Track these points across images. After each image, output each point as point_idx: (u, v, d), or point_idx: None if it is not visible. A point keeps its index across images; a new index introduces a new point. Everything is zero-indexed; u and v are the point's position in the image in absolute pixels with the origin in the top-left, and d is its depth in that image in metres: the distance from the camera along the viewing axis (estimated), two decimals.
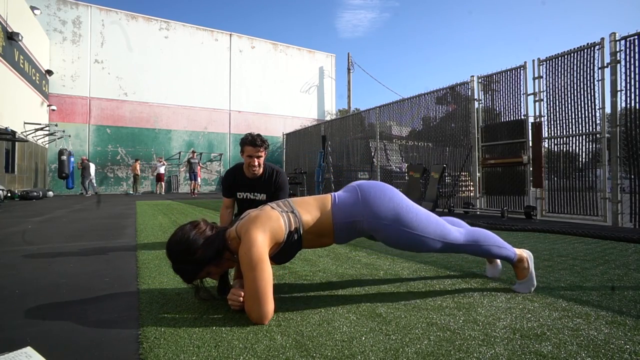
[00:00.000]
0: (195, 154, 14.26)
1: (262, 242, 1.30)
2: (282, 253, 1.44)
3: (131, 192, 14.40)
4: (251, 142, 2.50)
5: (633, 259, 2.44)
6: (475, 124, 6.41)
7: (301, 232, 1.44)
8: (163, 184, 14.26)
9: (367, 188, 1.57)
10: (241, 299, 1.34)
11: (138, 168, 14.36)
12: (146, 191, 15.09)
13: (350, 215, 1.51)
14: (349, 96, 20.57)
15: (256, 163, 2.53)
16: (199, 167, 13.14)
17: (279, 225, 1.38)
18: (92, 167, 12.99)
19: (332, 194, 1.61)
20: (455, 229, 1.61)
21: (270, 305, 1.28)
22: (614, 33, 4.64)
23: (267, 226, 1.35)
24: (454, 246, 1.58)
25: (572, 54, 5.10)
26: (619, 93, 4.57)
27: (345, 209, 1.52)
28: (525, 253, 1.69)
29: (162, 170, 14.19)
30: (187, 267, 1.40)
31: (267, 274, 1.28)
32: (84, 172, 12.52)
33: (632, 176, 4.46)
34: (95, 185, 13.19)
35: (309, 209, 1.50)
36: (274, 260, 1.45)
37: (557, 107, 5.29)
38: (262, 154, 2.55)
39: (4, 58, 9.28)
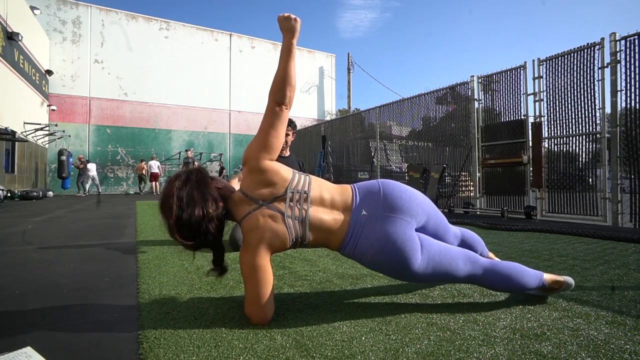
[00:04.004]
0: (191, 152, 14.04)
1: (263, 254, 1.27)
2: None
3: (131, 192, 14.39)
4: None
5: (633, 259, 2.44)
6: (475, 124, 6.41)
7: (305, 242, 1.36)
8: (157, 183, 14.07)
9: (391, 250, 1.32)
10: None
11: (146, 168, 14.41)
12: (146, 191, 15.09)
13: (358, 257, 1.38)
14: (349, 96, 20.58)
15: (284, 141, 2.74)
16: (194, 165, 12.85)
17: (284, 241, 1.30)
18: (94, 167, 12.95)
19: (348, 230, 1.35)
20: (466, 273, 1.41)
21: (270, 308, 1.28)
22: (614, 33, 4.64)
23: (273, 242, 1.28)
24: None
25: (572, 54, 5.10)
26: (619, 93, 4.58)
27: (357, 254, 1.36)
28: (566, 280, 1.51)
29: (155, 169, 14.04)
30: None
31: (268, 279, 1.27)
32: (80, 171, 12.52)
33: (632, 176, 4.46)
34: (98, 184, 13.17)
35: (323, 226, 1.33)
36: None
37: (557, 107, 5.29)
38: (290, 132, 2.71)
39: (4, 58, 9.28)
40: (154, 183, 14.01)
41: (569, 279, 1.52)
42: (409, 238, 1.33)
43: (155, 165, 14.05)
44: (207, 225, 1.26)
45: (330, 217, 1.35)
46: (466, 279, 1.43)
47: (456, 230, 1.70)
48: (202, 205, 1.26)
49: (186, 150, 14.24)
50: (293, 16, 1.36)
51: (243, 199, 1.32)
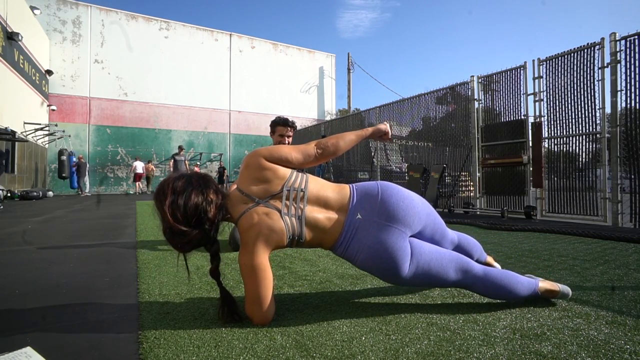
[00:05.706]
0: (183, 150, 13.58)
1: (262, 252, 1.27)
2: None
3: (131, 192, 14.41)
4: (284, 122, 2.83)
5: (633, 259, 2.44)
6: (475, 124, 6.41)
7: (302, 240, 1.36)
8: (140, 183, 14.06)
9: (380, 257, 1.32)
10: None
11: (153, 168, 14.42)
12: (141, 192, 15.11)
13: (348, 258, 1.39)
14: (349, 96, 20.58)
15: (286, 141, 2.81)
16: (186, 165, 12.35)
17: (281, 237, 1.30)
18: (86, 167, 12.98)
19: (342, 231, 1.35)
20: (455, 281, 1.41)
21: (271, 308, 1.28)
22: (614, 33, 4.64)
23: (270, 238, 1.28)
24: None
25: (572, 54, 5.10)
26: (619, 93, 4.57)
27: (347, 255, 1.37)
28: (561, 290, 1.48)
29: (140, 169, 14.02)
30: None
31: (268, 279, 1.27)
32: (79, 171, 12.55)
33: (632, 176, 4.46)
34: (87, 185, 13.17)
35: (317, 224, 1.34)
36: None
37: (557, 107, 5.29)
38: (291, 133, 2.84)
39: (4, 58, 9.28)
40: (137, 183, 14.03)
41: (565, 289, 1.49)
42: (400, 247, 1.33)
43: (139, 166, 14.07)
44: (206, 207, 1.26)
45: (324, 216, 1.35)
46: (456, 286, 1.44)
47: (453, 236, 1.68)
48: (201, 189, 1.28)
49: (179, 147, 13.63)
50: (387, 133, 1.61)
51: (239, 196, 1.32)
